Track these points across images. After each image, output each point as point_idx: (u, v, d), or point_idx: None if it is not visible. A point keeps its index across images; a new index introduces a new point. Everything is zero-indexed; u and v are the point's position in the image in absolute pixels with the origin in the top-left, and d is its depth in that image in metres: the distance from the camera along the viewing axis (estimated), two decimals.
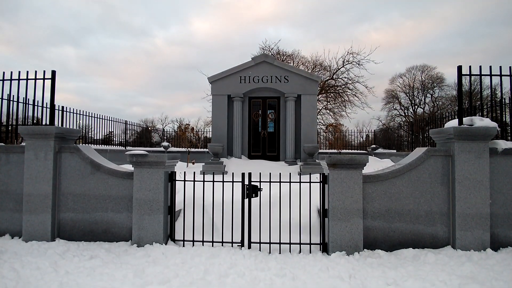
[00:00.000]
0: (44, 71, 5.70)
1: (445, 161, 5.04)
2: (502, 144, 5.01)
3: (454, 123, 5.13)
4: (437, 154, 5.05)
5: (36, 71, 5.78)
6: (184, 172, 5.67)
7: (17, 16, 56.43)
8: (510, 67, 5.36)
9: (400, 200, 5.05)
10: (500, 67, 5.33)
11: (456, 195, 4.88)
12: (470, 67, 5.24)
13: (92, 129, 13.78)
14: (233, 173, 5.43)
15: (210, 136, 13.82)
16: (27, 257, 4.44)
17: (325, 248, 5.09)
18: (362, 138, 21.30)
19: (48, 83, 5.64)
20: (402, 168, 5.04)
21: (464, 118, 5.08)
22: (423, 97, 39.09)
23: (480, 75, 5.29)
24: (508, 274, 4.07)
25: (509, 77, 5.34)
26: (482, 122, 4.94)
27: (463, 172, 4.89)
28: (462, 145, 4.92)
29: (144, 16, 65.92)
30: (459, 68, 5.17)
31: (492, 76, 5.32)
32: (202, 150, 17.48)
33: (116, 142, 16.37)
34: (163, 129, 23.14)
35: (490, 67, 5.31)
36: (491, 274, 4.04)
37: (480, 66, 5.27)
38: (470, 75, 5.25)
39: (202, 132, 23.85)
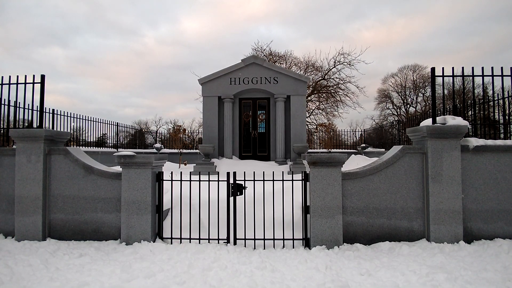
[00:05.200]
0: (34, 76, 5.87)
1: (419, 158, 5.29)
2: (474, 142, 5.27)
3: (428, 122, 5.38)
4: (411, 151, 5.30)
5: (26, 76, 5.95)
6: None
7: (2, 16, 56.04)
8: (482, 67, 5.62)
9: (378, 196, 5.28)
10: (473, 68, 5.59)
11: (429, 191, 5.13)
12: (443, 68, 5.50)
13: (86, 131, 13.93)
14: (218, 172, 5.64)
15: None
16: (20, 255, 4.62)
17: (307, 243, 5.31)
18: (356, 137, 21.63)
19: (37, 86, 5.82)
20: (379, 165, 5.28)
21: (437, 117, 5.33)
22: (415, 96, 39.60)
23: (453, 76, 5.55)
24: (478, 264, 4.30)
25: (481, 77, 5.60)
26: (454, 121, 5.19)
27: (436, 168, 5.14)
28: (435, 142, 5.17)
29: (132, 15, 65.81)
30: (432, 69, 5.42)
31: (465, 77, 5.58)
32: (195, 151, 17.67)
33: (110, 144, 16.49)
34: (156, 131, 23.28)
35: (463, 68, 5.58)
36: (460, 264, 4.28)
37: (453, 68, 5.54)
38: (443, 76, 5.50)
39: (197, 133, 24.05)
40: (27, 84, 5.93)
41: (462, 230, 5.13)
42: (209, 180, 5.48)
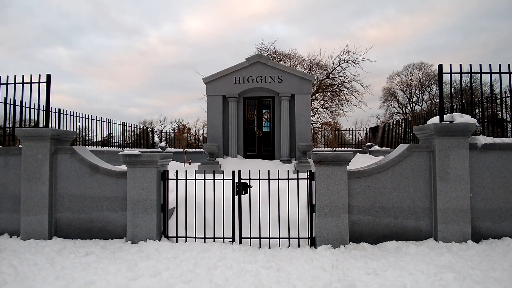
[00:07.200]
0: (40, 75, 5.89)
1: (427, 156, 5.23)
2: (482, 140, 5.20)
3: (435, 120, 5.32)
4: (419, 150, 5.24)
5: (31, 75, 5.97)
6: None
7: (6, 15, 56.29)
8: (489, 64, 5.54)
9: (385, 195, 5.23)
10: (480, 65, 5.50)
11: (437, 189, 5.07)
12: (450, 65, 5.43)
13: (92, 131, 14.00)
14: (223, 171, 5.62)
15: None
16: (25, 254, 4.64)
17: (313, 242, 5.28)
18: (361, 136, 21.52)
19: (43, 86, 5.84)
20: (386, 164, 5.23)
21: (445, 115, 5.26)
22: (420, 94, 39.30)
23: (460, 73, 5.47)
24: (485, 264, 4.24)
25: (488, 74, 5.52)
26: (462, 118, 5.12)
27: (443, 167, 5.08)
28: (442, 141, 5.10)
29: (135, 14, 65.84)
30: (440, 66, 5.35)
31: (472, 74, 5.52)
32: (199, 150, 17.69)
33: (116, 143, 16.57)
34: (161, 130, 23.35)
35: (470, 65, 5.52)
36: (469, 263, 4.22)
37: (460, 65, 5.47)
38: (451, 73, 5.43)
39: (201, 133, 24.07)
40: (33, 84, 5.96)
41: (470, 229, 5.06)
42: (214, 179, 5.47)
